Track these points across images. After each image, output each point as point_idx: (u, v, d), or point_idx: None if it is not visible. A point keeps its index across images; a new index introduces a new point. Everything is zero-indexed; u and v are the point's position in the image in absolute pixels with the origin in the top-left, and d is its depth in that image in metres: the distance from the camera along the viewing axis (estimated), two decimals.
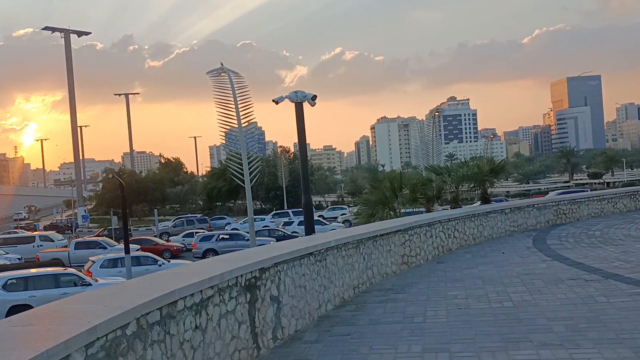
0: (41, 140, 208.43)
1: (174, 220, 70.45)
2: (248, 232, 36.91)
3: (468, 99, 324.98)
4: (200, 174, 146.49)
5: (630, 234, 17.24)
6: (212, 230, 54.47)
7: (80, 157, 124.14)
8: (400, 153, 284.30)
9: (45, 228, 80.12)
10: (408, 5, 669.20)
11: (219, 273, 6.33)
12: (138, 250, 39.65)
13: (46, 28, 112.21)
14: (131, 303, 4.81)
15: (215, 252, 41.45)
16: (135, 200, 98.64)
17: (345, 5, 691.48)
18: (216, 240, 43.47)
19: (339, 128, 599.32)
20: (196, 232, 50.23)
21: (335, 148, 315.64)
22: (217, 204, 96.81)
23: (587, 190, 49.31)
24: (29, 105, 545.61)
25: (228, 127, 31.84)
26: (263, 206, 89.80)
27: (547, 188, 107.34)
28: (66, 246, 47.20)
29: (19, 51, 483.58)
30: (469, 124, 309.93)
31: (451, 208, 20.06)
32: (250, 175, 30.36)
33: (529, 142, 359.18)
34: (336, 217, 65.95)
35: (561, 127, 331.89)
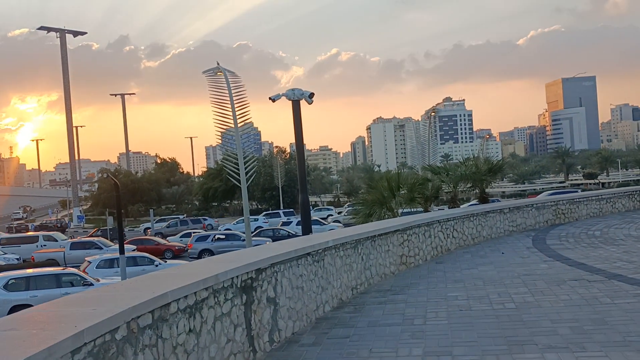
0: (37, 140, 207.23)
1: (167, 222, 70.25)
2: (244, 232, 36.72)
3: (463, 100, 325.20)
4: (196, 174, 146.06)
5: (631, 233, 17.06)
6: (206, 231, 54.27)
7: (76, 158, 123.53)
8: (396, 153, 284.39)
9: (36, 228, 79.65)
10: (403, 6, 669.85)
11: (214, 274, 6.10)
12: (134, 250, 39.40)
13: (41, 28, 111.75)
14: (121, 306, 4.57)
15: (211, 253, 41.20)
16: (131, 200, 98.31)
17: (341, 6, 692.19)
18: (212, 240, 43.20)
19: (335, 128, 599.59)
20: (193, 233, 50.00)
21: (331, 148, 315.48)
22: (213, 204, 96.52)
23: (578, 191, 49.35)
24: (24, 105, 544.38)
25: (224, 127, 31.61)
26: (259, 206, 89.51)
27: (543, 188, 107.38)
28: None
29: (15, 51, 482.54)
30: (465, 124, 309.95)
31: (449, 208, 19.84)
32: (246, 176, 30.13)
33: (524, 142, 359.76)
34: (325, 218, 65.26)
35: (556, 128, 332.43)
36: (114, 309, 4.45)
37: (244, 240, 36.29)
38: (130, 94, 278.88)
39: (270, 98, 17.62)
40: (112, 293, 5.39)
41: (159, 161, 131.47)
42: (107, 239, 48.66)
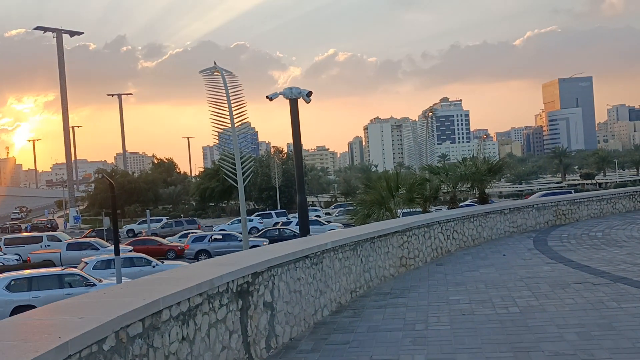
0: (33, 140, 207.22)
1: (162, 223, 70.00)
2: (240, 233, 36.45)
3: (460, 100, 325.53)
4: (193, 175, 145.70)
5: (633, 235, 16.83)
6: (201, 231, 54.04)
7: (73, 158, 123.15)
8: (393, 153, 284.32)
9: (27, 229, 79.24)
10: (400, 6, 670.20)
11: (209, 279, 5.85)
12: (131, 251, 39.13)
13: (38, 28, 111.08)
14: (110, 314, 4.32)
15: (208, 253, 40.99)
16: (127, 200, 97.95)
17: (339, 6, 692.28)
18: (209, 241, 42.95)
19: (332, 128, 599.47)
20: (190, 233, 49.76)
21: (329, 148, 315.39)
22: (210, 204, 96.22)
23: (572, 192, 49.33)
24: (21, 105, 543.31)
25: (221, 127, 31.37)
26: (256, 206, 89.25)
27: (540, 188, 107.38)
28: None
29: (11, 51, 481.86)
30: (462, 124, 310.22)
31: (449, 208, 19.60)
32: (243, 176, 29.89)
33: (521, 142, 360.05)
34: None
35: (553, 128, 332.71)
36: (102, 318, 4.20)
37: (241, 240, 36.00)
38: (127, 94, 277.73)
39: (267, 97, 17.36)
40: (101, 300, 5.13)
41: (156, 161, 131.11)
42: (104, 239, 48.35)
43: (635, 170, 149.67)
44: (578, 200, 22.36)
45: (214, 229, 59.46)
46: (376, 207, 19.08)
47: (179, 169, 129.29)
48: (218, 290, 6.06)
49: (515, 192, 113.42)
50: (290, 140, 17.55)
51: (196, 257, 40.91)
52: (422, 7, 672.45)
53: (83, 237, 54.10)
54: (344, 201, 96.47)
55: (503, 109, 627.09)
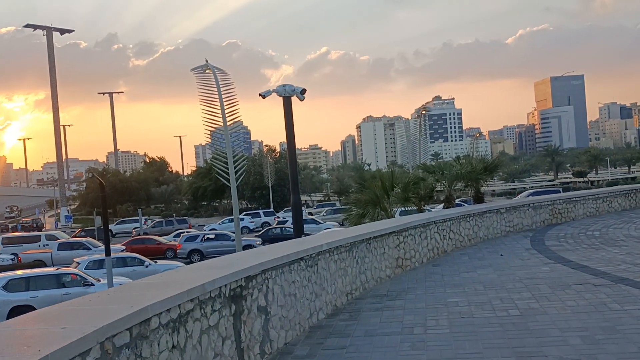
0: (24, 139, 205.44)
1: (153, 222, 69.62)
2: (233, 232, 36.16)
3: (453, 98, 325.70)
4: (185, 174, 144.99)
5: (631, 234, 16.66)
6: (195, 230, 53.70)
7: (64, 157, 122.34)
8: (386, 152, 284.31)
9: (13, 229, 78.47)
10: (393, 5, 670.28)
11: (200, 284, 5.58)
12: (123, 251, 38.77)
13: (28, 26, 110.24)
14: (95, 323, 4.05)
15: (200, 253, 40.70)
16: (119, 200, 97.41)
17: (331, 4, 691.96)
18: (201, 240, 42.62)
19: (324, 127, 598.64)
20: (181, 233, 49.40)
21: (321, 147, 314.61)
22: (203, 203, 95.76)
23: (560, 191, 49.29)
24: (11, 104, 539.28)
25: (213, 126, 31.09)
26: (249, 205, 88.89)
27: (532, 186, 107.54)
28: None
29: (1, 49, 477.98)
30: (454, 123, 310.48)
31: (444, 208, 19.37)
32: (235, 175, 29.64)
33: (513, 141, 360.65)
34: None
35: (545, 126, 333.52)
36: (86, 328, 3.94)
37: (233, 240, 35.72)
38: (118, 92, 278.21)
39: (260, 94, 17.08)
40: (85, 307, 4.86)
41: (147, 160, 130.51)
42: (95, 239, 47.94)
43: (627, 168, 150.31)
44: (574, 199, 22.20)
45: (204, 228, 59.09)
46: (371, 206, 18.83)
47: (171, 168, 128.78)
48: (210, 295, 5.80)
49: (508, 190, 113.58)
50: (283, 139, 17.28)
51: (189, 256, 40.60)
52: (415, 5, 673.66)
53: (73, 237, 53.58)
54: (328, 200, 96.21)
55: (495, 107, 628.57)
